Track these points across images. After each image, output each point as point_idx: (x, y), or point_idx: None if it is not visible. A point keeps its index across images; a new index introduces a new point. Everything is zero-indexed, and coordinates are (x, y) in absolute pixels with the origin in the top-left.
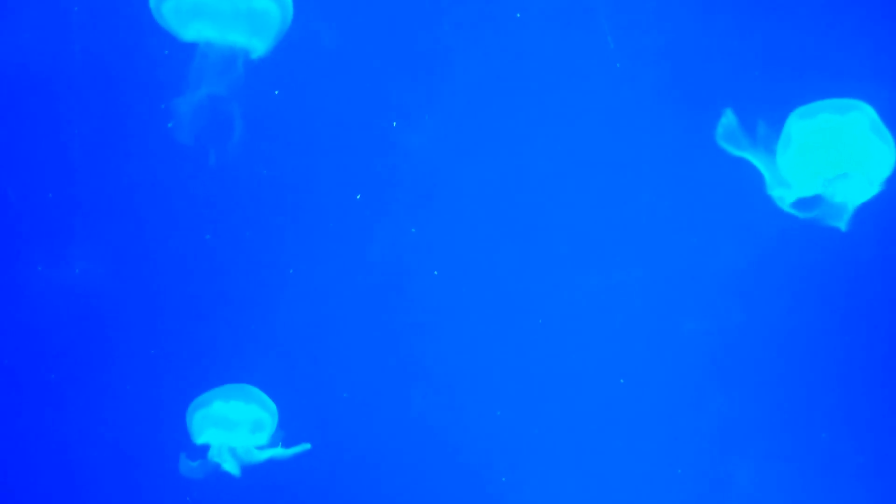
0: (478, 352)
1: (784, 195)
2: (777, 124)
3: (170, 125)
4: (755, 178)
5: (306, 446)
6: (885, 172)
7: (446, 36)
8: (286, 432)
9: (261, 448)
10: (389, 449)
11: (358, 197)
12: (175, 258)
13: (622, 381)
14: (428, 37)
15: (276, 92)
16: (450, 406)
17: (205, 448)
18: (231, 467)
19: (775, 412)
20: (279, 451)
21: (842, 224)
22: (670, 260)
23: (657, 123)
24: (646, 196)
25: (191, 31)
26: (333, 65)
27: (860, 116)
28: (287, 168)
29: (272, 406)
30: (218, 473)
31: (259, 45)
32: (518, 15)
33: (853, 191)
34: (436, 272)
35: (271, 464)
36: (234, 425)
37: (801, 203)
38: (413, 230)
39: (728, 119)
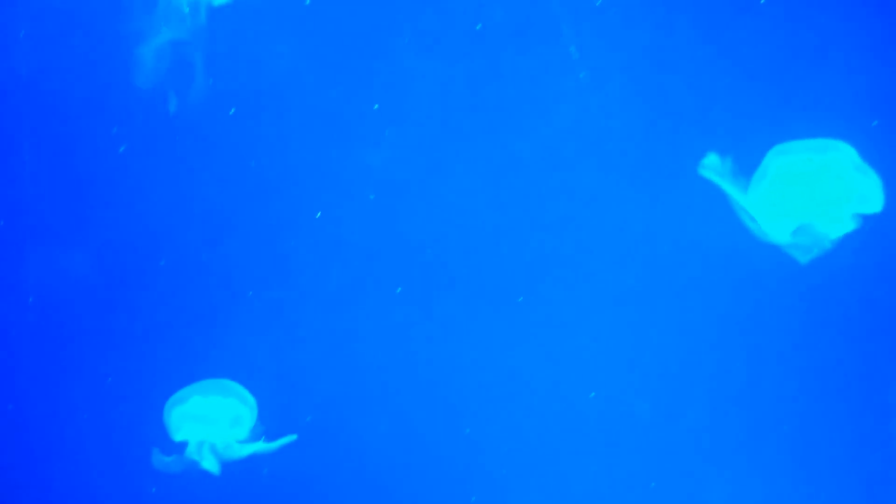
0: (446, 370)
1: (757, 227)
2: (751, 148)
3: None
4: (723, 196)
5: (293, 437)
6: (867, 209)
7: (406, 48)
8: (266, 426)
9: (242, 442)
10: (360, 463)
11: (318, 215)
12: (145, 253)
13: (593, 394)
14: (387, 49)
15: (232, 111)
16: (418, 424)
17: (183, 445)
18: (210, 465)
19: (747, 425)
20: (262, 446)
21: (804, 257)
22: (638, 274)
23: (622, 133)
24: (610, 208)
25: None
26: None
27: (838, 157)
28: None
29: (251, 400)
30: (197, 471)
31: None
32: (479, 27)
33: (830, 226)
34: (399, 289)
35: (248, 459)
36: (213, 420)
37: (775, 233)
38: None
39: (711, 160)
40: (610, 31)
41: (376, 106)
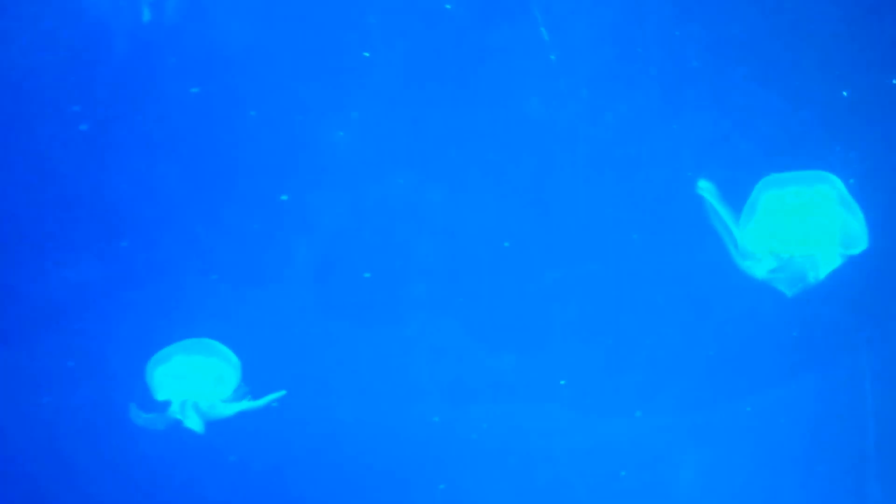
0: (414, 356)
1: (742, 258)
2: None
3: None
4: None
5: (281, 393)
6: (852, 244)
7: (373, 27)
8: (250, 386)
9: (226, 401)
10: (322, 457)
11: (284, 197)
12: (127, 212)
13: (563, 382)
14: (354, 29)
15: (194, 89)
16: (387, 411)
17: (166, 404)
18: (193, 423)
19: (716, 413)
20: (248, 404)
21: (790, 290)
22: (611, 267)
23: (592, 115)
24: (581, 193)
25: None
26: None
27: (827, 189)
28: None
29: (234, 359)
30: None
31: None
32: (448, 7)
33: (817, 261)
34: (367, 274)
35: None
36: (197, 379)
37: (759, 266)
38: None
39: (704, 185)
40: (581, 14)
41: (367, 54)
